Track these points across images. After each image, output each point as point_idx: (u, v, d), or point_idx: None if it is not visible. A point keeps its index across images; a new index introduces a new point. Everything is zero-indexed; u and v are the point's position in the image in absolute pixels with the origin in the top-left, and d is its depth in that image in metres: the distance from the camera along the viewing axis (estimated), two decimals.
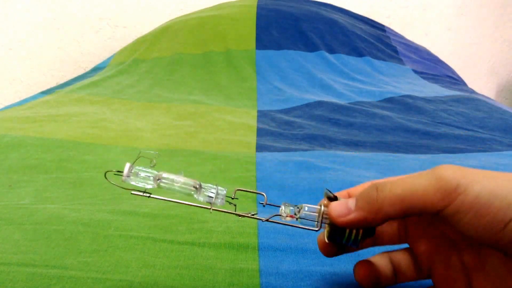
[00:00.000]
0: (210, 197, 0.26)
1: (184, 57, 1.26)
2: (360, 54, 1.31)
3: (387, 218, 0.23)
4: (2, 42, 1.68)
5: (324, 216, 0.25)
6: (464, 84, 1.31)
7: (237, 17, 1.37)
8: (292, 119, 0.85)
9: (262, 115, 0.88)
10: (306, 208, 0.26)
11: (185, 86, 1.12)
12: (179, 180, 0.26)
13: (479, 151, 0.65)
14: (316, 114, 0.88)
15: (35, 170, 0.54)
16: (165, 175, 0.26)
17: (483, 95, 1.08)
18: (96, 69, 1.39)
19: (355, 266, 0.27)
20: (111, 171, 0.25)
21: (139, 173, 0.25)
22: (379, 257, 0.28)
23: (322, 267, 0.33)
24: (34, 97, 1.04)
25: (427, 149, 0.67)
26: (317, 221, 0.25)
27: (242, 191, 0.27)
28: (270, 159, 0.59)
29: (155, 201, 0.45)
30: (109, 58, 1.45)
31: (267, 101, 1.01)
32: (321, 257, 0.34)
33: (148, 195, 0.25)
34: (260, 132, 0.75)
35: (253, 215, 0.26)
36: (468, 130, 0.77)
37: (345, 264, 0.33)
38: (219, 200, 0.26)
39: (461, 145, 0.68)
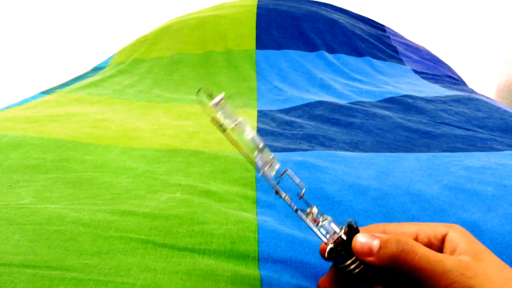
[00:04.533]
0: (264, 164, 0.28)
1: (184, 57, 1.26)
2: (360, 54, 1.31)
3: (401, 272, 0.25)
4: (2, 42, 1.68)
5: (337, 239, 0.27)
6: (464, 84, 1.31)
7: (237, 17, 1.37)
8: (292, 119, 0.85)
9: (262, 115, 0.88)
10: (330, 222, 0.28)
11: (185, 86, 1.12)
12: (251, 133, 0.28)
13: (479, 150, 0.65)
14: (316, 114, 0.88)
15: (35, 170, 0.54)
16: (243, 121, 0.27)
17: (483, 95, 1.08)
18: (96, 69, 1.39)
19: None
20: (202, 90, 0.27)
21: (225, 108, 0.27)
22: None
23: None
24: (34, 97, 1.04)
25: (427, 149, 0.67)
26: (330, 236, 0.28)
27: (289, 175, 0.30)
28: None
29: (155, 201, 0.45)
30: (109, 58, 1.45)
31: (267, 101, 1.01)
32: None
33: (223, 129, 0.27)
34: (260, 132, 0.75)
35: (287, 197, 0.29)
36: (468, 130, 0.77)
37: None
38: (269, 172, 0.28)
39: (461, 145, 0.68)
